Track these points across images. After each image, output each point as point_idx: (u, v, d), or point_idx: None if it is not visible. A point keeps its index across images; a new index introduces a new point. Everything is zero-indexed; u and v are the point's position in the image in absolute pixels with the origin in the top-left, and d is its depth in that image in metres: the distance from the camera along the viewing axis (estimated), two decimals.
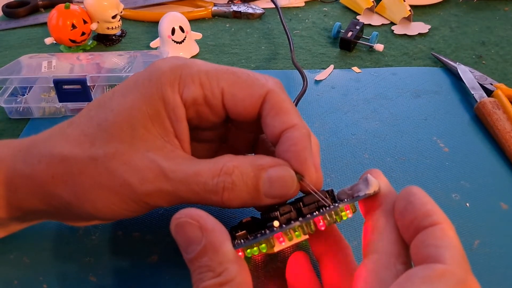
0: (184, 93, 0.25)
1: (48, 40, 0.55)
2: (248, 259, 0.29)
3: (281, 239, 0.22)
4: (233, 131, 0.30)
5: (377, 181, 0.23)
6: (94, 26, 0.55)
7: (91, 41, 0.58)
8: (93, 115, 0.25)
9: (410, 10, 0.59)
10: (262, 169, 0.24)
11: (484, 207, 0.33)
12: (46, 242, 0.31)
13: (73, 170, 0.24)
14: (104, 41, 0.58)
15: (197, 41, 0.56)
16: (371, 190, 0.23)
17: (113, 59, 0.46)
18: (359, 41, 0.54)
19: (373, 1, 0.62)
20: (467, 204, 0.34)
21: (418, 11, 0.62)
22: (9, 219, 0.27)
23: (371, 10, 0.63)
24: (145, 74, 0.26)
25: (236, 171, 0.23)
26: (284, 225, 0.22)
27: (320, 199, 0.24)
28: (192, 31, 0.54)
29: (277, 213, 0.23)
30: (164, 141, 0.25)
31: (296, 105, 0.43)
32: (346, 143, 0.40)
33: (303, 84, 0.45)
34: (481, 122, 0.42)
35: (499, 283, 0.29)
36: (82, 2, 0.56)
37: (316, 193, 0.24)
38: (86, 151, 0.24)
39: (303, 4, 0.67)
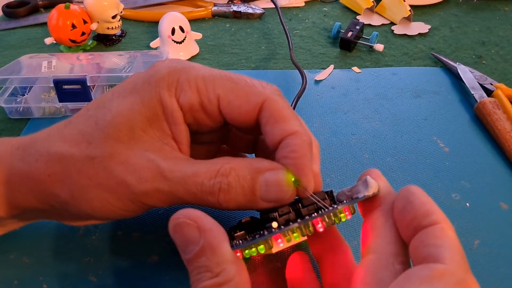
0: (181, 98, 0.25)
1: (48, 40, 0.55)
2: (246, 259, 0.29)
3: (279, 240, 0.22)
4: (233, 133, 0.30)
5: (377, 183, 0.23)
6: (94, 26, 0.55)
7: (91, 41, 0.58)
8: (91, 115, 0.25)
9: (410, 10, 0.59)
10: (259, 172, 0.24)
11: (484, 207, 0.33)
12: (46, 242, 0.31)
13: (70, 169, 0.24)
14: (104, 41, 0.58)
15: (197, 41, 0.56)
16: (370, 192, 0.23)
17: (113, 59, 0.46)
18: (359, 41, 0.54)
19: (373, 1, 0.62)
20: (467, 204, 0.34)
21: (418, 11, 0.62)
22: (7, 217, 0.27)
23: (371, 10, 0.63)
24: (144, 76, 0.26)
25: (233, 173, 0.23)
26: (282, 227, 0.22)
27: (318, 203, 0.24)
28: (192, 31, 0.54)
29: (276, 214, 0.23)
30: (162, 143, 0.25)
31: (295, 104, 0.43)
32: (346, 143, 0.40)
33: (302, 82, 0.45)
34: (481, 122, 0.42)
35: (499, 283, 0.29)
36: (82, 2, 0.56)
37: (313, 197, 0.24)
38: (83, 150, 0.24)
39: (303, 4, 0.67)
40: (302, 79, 0.46)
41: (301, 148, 0.24)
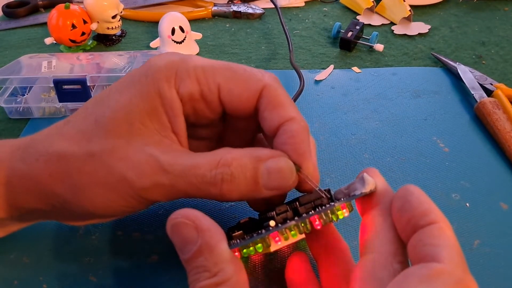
0: (181, 89, 0.25)
1: (48, 40, 0.55)
2: (245, 259, 0.29)
3: (277, 238, 0.22)
4: (230, 130, 0.30)
5: (374, 180, 0.23)
6: (94, 26, 0.55)
7: (91, 41, 0.58)
8: (90, 113, 0.25)
9: (410, 10, 0.59)
10: (260, 160, 0.24)
11: (484, 207, 0.33)
12: (46, 242, 0.31)
13: (71, 167, 0.24)
14: (104, 41, 0.58)
15: (197, 41, 0.56)
16: (367, 189, 0.23)
17: (113, 59, 0.46)
18: (359, 41, 0.54)
19: (373, 1, 0.62)
20: (467, 204, 0.34)
21: (418, 11, 0.62)
22: (7, 218, 0.27)
23: (371, 10, 0.63)
24: (141, 70, 0.26)
25: (235, 163, 0.23)
26: (280, 225, 0.22)
27: (320, 194, 0.24)
28: (192, 31, 0.54)
29: (273, 213, 0.23)
30: (162, 136, 0.25)
31: None
32: (346, 143, 0.40)
33: (300, 84, 0.45)
34: (481, 122, 0.42)
35: (499, 283, 0.29)
36: (82, 2, 0.56)
37: (313, 184, 0.24)
38: (83, 148, 0.24)
39: (303, 4, 0.67)
40: (300, 81, 0.46)
41: (299, 133, 0.24)
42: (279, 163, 0.24)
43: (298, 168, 0.24)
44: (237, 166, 0.23)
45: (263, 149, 0.25)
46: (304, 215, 0.23)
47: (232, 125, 0.30)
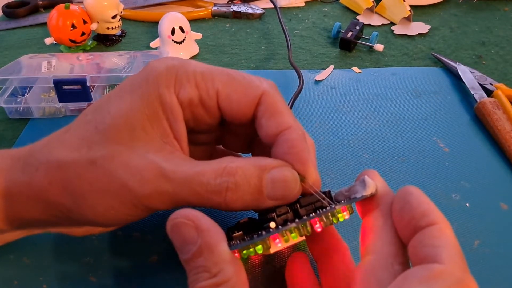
0: (180, 94, 0.25)
1: (48, 40, 0.55)
2: (245, 260, 0.29)
3: (277, 240, 0.22)
4: (228, 134, 0.30)
5: (374, 183, 0.23)
6: (94, 26, 0.55)
7: (91, 41, 0.58)
8: (90, 119, 0.25)
9: (410, 10, 0.59)
10: (265, 169, 0.23)
11: (484, 207, 0.33)
12: (46, 242, 0.31)
13: (71, 175, 0.24)
14: (104, 41, 0.58)
15: (197, 41, 0.56)
16: (368, 192, 0.23)
17: (113, 59, 0.46)
18: (359, 41, 0.54)
19: (373, 1, 0.62)
20: (467, 204, 0.34)
21: (418, 11, 0.62)
22: (6, 230, 0.27)
23: (371, 10, 0.63)
24: (141, 75, 0.25)
25: (240, 172, 0.23)
26: (280, 226, 0.22)
27: (321, 200, 0.24)
28: (192, 31, 0.54)
29: (274, 214, 0.23)
30: (163, 142, 0.24)
31: (292, 104, 0.43)
32: (346, 143, 0.40)
33: (299, 84, 0.45)
34: (481, 122, 0.42)
35: (499, 283, 0.29)
36: (82, 2, 0.56)
37: (317, 194, 0.24)
38: (83, 155, 0.24)
39: (303, 4, 0.67)
40: (299, 80, 0.46)
41: (300, 142, 0.24)
42: (284, 172, 0.23)
43: (302, 178, 0.24)
44: (241, 175, 0.23)
45: (267, 158, 0.24)
46: (305, 217, 0.23)
47: (230, 129, 0.30)
